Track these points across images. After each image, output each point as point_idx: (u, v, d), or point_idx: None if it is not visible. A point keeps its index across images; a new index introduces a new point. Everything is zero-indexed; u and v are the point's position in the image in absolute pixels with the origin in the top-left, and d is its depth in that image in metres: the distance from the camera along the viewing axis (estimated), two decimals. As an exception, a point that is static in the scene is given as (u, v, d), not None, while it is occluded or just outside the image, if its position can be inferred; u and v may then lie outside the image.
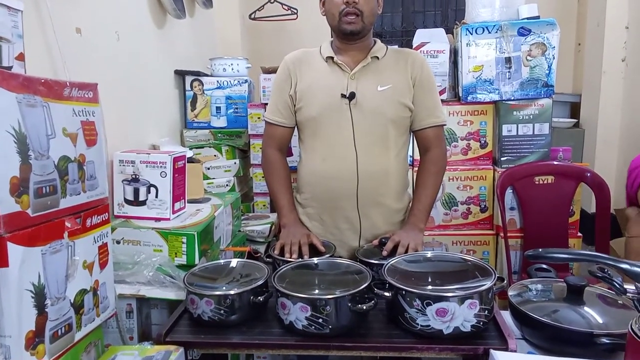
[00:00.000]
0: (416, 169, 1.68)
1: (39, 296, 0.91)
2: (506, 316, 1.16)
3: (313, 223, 1.64)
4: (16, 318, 0.86)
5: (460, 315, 1.03)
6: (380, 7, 1.55)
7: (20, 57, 1.16)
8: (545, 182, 2.24)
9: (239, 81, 2.60)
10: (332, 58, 1.55)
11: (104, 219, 1.12)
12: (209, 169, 2.51)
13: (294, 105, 1.60)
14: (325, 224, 1.62)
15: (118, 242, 1.46)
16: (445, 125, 1.63)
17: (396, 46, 1.70)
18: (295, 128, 1.66)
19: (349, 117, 1.52)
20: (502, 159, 2.33)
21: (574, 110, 3.95)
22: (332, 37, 1.62)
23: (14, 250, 0.85)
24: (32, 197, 0.90)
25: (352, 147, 1.53)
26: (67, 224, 0.99)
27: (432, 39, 2.38)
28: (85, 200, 1.06)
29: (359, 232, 1.59)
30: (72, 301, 1.00)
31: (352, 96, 1.51)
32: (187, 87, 2.59)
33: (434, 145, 1.61)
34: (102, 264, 1.11)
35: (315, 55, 1.60)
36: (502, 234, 2.23)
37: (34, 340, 0.90)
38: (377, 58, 1.55)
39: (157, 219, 1.56)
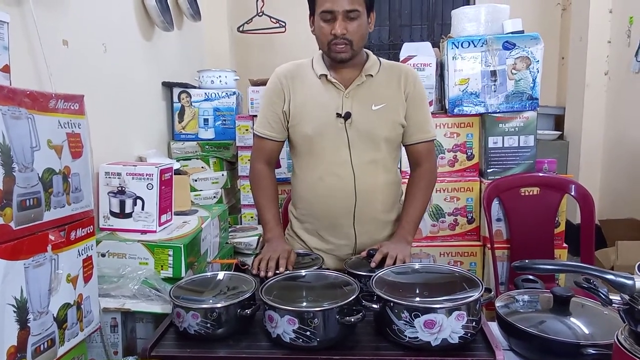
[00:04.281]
0: (405, 180, 1.68)
1: (21, 311, 0.89)
2: (493, 327, 1.16)
3: (312, 238, 1.63)
4: (-3, 333, 0.84)
5: (448, 326, 1.03)
6: (372, 24, 1.52)
7: (6, 69, 1.15)
8: (531, 193, 2.26)
9: (227, 93, 2.61)
10: (325, 76, 1.53)
11: (88, 231, 1.11)
12: (196, 180, 2.50)
13: (287, 122, 1.58)
14: (323, 239, 1.62)
15: (103, 255, 1.45)
16: (435, 139, 1.64)
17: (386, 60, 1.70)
18: (286, 142, 1.65)
19: (344, 136, 1.51)
20: (489, 170, 2.35)
21: (558, 122, 4.02)
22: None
23: (-4, 264, 0.84)
24: (16, 209, 0.89)
25: (349, 166, 1.52)
26: (51, 237, 0.98)
27: (418, 53, 2.41)
28: (69, 213, 1.05)
29: (354, 246, 1.60)
30: (55, 315, 0.99)
31: (347, 116, 1.50)
32: (175, 99, 2.59)
33: (425, 160, 1.61)
34: (86, 278, 1.10)
35: (308, 69, 1.58)
36: (489, 245, 2.24)
37: (15, 355, 0.88)
38: (371, 75, 1.53)
39: (143, 232, 1.55)
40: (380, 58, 1.61)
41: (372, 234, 1.59)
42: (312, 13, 1.51)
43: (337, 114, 1.50)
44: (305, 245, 1.64)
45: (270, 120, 1.59)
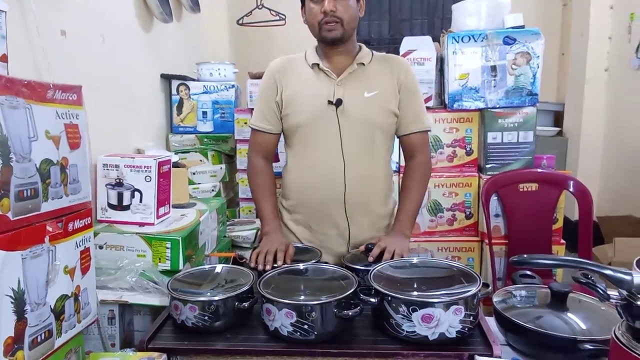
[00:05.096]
0: (402, 175, 1.68)
1: (19, 302, 0.89)
2: (491, 322, 1.17)
3: (300, 228, 1.64)
4: (-6, 324, 0.84)
5: (446, 321, 1.04)
6: (361, 10, 1.55)
7: (3, 58, 1.14)
8: (530, 189, 2.26)
9: (225, 86, 2.60)
10: (317, 65, 1.55)
11: (86, 223, 1.10)
12: (194, 174, 2.49)
13: (280, 112, 1.59)
14: (313, 230, 1.62)
15: (101, 247, 1.44)
16: (430, 131, 1.64)
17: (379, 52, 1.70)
18: (282, 134, 1.66)
19: (336, 123, 1.52)
20: (487, 166, 2.35)
21: (558, 118, 4.02)
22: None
23: (-7, 255, 0.84)
24: (13, 200, 0.88)
25: (340, 154, 1.53)
26: (49, 228, 0.97)
27: (419, 47, 2.40)
28: (67, 204, 1.04)
29: (347, 238, 1.59)
30: (52, 307, 0.98)
31: (339, 103, 1.51)
32: (174, 91, 2.58)
33: (419, 151, 1.61)
34: (83, 269, 1.09)
35: (301, 61, 1.60)
36: (486, 241, 2.24)
37: (12, 346, 0.88)
38: (363, 64, 1.55)
39: (141, 224, 1.54)
40: (373, 51, 1.62)
41: (366, 228, 1.60)
42: (303, 3, 1.54)
43: (328, 101, 1.51)
44: (295, 237, 1.64)
45: (266, 113, 1.60)
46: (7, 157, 0.87)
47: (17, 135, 0.89)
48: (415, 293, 1.11)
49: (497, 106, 2.32)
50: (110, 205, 1.57)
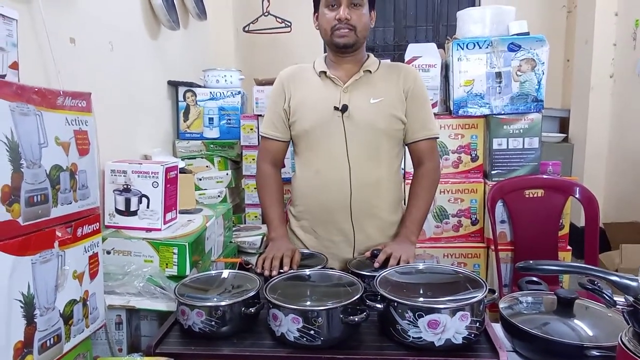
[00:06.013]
0: (408, 182, 1.68)
1: (28, 306, 0.90)
2: (497, 328, 1.16)
3: (307, 235, 1.64)
4: (5, 328, 0.85)
5: (452, 327, 1.03)
6: (372, 21, 1.57)
7: (14, 66, 1.16)
8: (535, 195, 2.26)
9: (232, 92, 2.62)
10: (325, 72, 1.57)
11: (94, 228, 1.11)
12: (200, 179, 2.51)
13: (288, 119, 1.61)
14: (320, 236, 1.62)
15: (108, 253, 1.45)
16: (438, 137, 1.64)
17: (388, 60, 1.72)
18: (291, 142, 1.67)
19: (341, 129, 1.53)
20: (493, 172, 2.35)
21: (563, 125, 4.01)
22: (325, 51, 1.64)
23: (4, 260, 0.85)
24: (23, 205, 0.89)
25: (345, 159, 1.53)
26: (58, 234, 0.98)
27: (423, 54, 2.41)
28: (76, 210, 1.05)
29: (352, 244, 1.60)
30: (61, 312, 0.99)
31: (344, 109, 1.52)
32: (180, 97, 2.60)
33: (427, 158, 1.61)
34: (92, 274, 1.10)
35: (309, 70, 1.62)
36: (492, 247, 2.24)
37: (22, 350, 0.89)
38: (370, 72, 1.56)
39: (148, 230, 1.55)
40: (381, 60, 1.64)
41: (372, 234, 1.59)
42: (316, 9, 1.56)
43: (334, 107, 1.52)
44: (301, 244, 1.65)
45: (275, 120, 1.62)
46: (18, 163, 0.88)
47: (27, 142, 0.91)
48: (421, 299, 1.11)
49: (502, 112, 2.32)
50: (118, 211, 1.58)
